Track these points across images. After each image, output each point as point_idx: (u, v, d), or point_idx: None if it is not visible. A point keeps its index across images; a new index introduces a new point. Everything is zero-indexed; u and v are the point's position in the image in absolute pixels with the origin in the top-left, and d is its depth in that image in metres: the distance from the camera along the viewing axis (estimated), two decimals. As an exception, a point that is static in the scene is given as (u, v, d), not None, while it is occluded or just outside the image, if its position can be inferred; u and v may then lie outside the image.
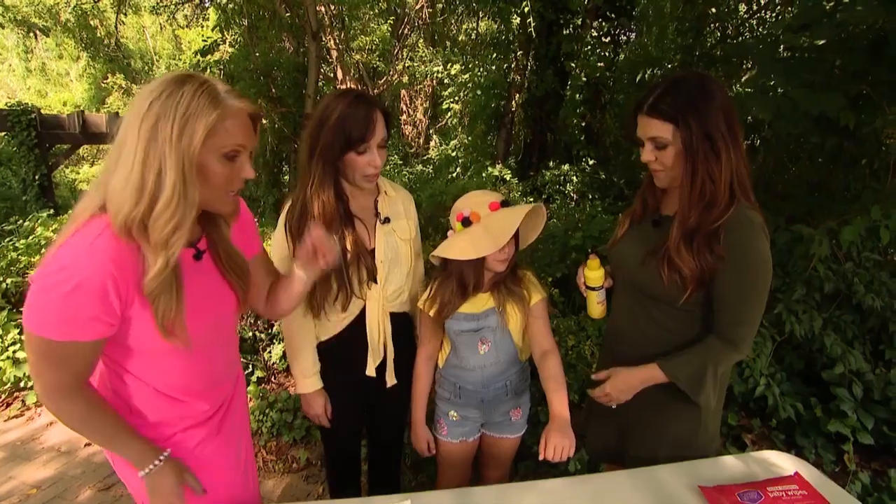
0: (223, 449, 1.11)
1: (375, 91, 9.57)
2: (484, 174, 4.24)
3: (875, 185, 2.11)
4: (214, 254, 1.01)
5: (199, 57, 4.51)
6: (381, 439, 1.73)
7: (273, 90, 4.15)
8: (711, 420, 1.25)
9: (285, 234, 1.38)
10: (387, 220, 1.43)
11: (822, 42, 2.01)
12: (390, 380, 1.50)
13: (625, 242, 1.32)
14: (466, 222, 1.35)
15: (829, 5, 1.94)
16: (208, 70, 4.52)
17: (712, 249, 1.08)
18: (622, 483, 1.12)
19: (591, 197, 4.18)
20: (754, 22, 4.58)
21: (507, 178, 4.32)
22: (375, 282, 1.40)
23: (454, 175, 4.61)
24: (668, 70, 4.80)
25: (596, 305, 1.41)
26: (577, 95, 4.51)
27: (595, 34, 4.82)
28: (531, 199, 4.13)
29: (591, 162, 4.57)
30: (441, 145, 7.20)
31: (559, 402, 1.23)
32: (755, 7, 4.43)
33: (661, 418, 1.23)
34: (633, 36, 5.41)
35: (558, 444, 1.13)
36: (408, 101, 10.88)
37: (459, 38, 7.92)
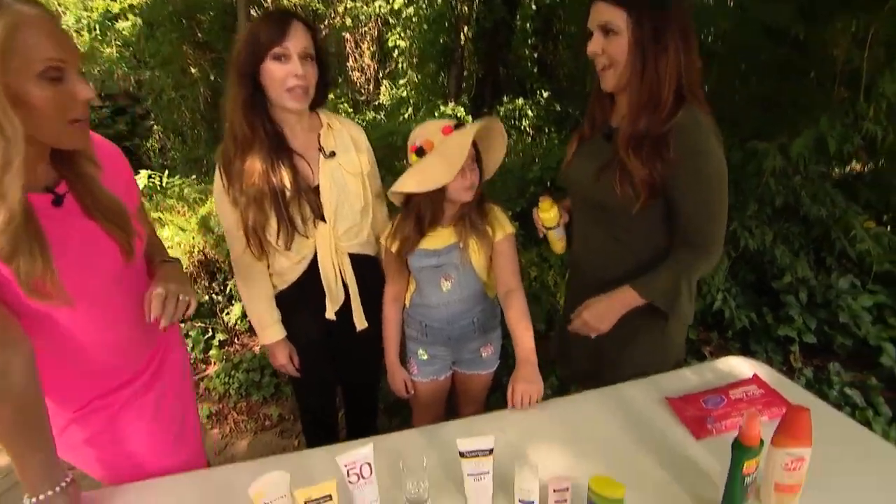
0: (150, 414, 1.06)
1: (317, 36, 8.90)
2: (437, 113, 4.07)
3: (822, 97, 2.14)
4: (79, 198, 0.88)
5: (108, 1, 3.97)
6: (355, 385, 1.71)
7: (199, 34, 3.73)
8: (678, 333, 1.27)
9: (221, 180, 1.27)
10: (332, 155, 1.33)
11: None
12: (360, 323, 1.45)
13: (576, 162, 1.29)
14: (420, 152, 1.27)
15: None
16: (123, 15, 4.01)
17: (661, 155, 1.05)
18: (591, 404, 1.13)
19: (547, 130, 4.11)
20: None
21: (461, 116, 4.17)
22: (323, 220, 1.32)
23: (406, 116, 4.41)
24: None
25: (557, 242, 1.40)
26: (528, 25, 4.32)
27: (544, -43, 4.58)
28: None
29: (545, 94, 4.46)
30: (392, 89, 6.87)
31: (525, 346, 1.21)
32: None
33: (630, 337, 1.24)
34: (582, -42, 5.18)
35: (525, 390, 1.13)
36: (353, 46, 10.26)
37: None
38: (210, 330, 2.91)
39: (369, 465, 0.82)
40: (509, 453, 0.97)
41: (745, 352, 2.38)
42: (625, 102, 1.13)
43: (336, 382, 1.67)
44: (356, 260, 1.42)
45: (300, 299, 1.41)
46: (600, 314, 1.19)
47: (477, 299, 1.43)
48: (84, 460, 1.03)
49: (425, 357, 1.50)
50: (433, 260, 1.35)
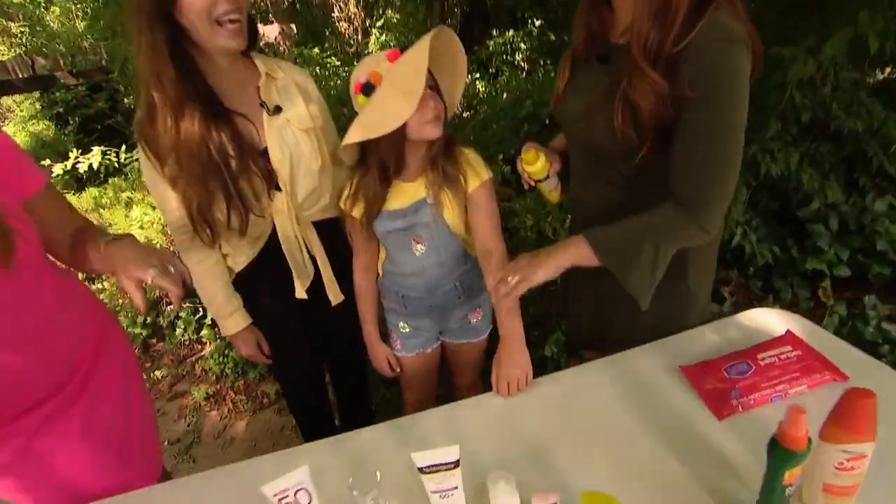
0: (77, 433, 0.92)
1: (299, -17, 8.30)
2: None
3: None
4: None
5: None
6: (339, 365, 1.56)
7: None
8: (702, 293, 1.05)
9: (149, 160, 1.05)
10: (277, 110, 1.10)
11: None
12: (334, 298, 1.29)
13: (569, 95, 1.01)
14: (367, 89, 1.02)
15: None
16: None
17: (675, 83, 0.78)
18: (588, 378, 0.95)
19: (542, 63, 3.73)
20: None
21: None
22: (279, 189, 1.12)
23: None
24: None
25: (550, 193, 1.18)
26: (515, -56, 3.85)
27: None
28: (477, 76, 3.66)
29: (538, 24, 4.03)
30: (382, 36, 6.39)
31: (508, 320, 1.03)
32: None
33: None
34: None
35: (510, 376, 0.96)
36: (337, -6, 9.64)
37: None
38: (200, 309, 2.79)
39: (306, 490, 0.66)
40: (490, 450, 0.81)
41: (768, 289, 2.17)
42: (626, 8, 0.85)
43: (318, 364, 1.52)
44: (322, 226, 1.24)
45: (263, 277, 1.24)
46: (537, 261, 0.91)
47: (457, 261, 1.23)
48: (5, 491, 0.90)
49: (407, 330, 1.34)
50: (399, 221, 1.15)
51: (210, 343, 2.67)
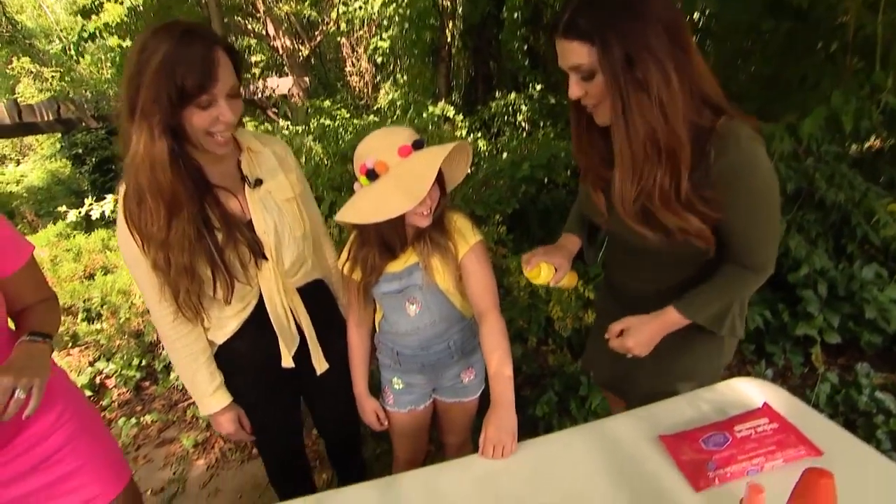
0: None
1: (312, 43, 8.81)
2: (425, 114, 3.90)
3: (833, 70, 1.93)
4: None
5: (81, 19, 3.85)
6: (330, 431, 1.55)
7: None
8: (731, 343, 1.15)
9: (129, 230, 1.04)
10: (258, 183, 1.16)
11: None
12: (319, 366, 1.30)
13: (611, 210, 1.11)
14: (372, 175, 1.08)
15: None
16: (98, 34, 3.89)
17: (704, 196, 0.87)
18: (569, 445, 0.97)
19: (542, 124, 3.92)
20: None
21: (451, 116, 3.99)
22: (265, 258, 1.15)
23: (394, 119, 4.25)
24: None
25: (561, 286, 1.24)
26: (516, 16, 4.13)
27: (530, -55, 4.38)
28: (478, 136, 3.83)
29: (538, 88, 4.27)
30: (391, 93, 6.75)
31: (497, 386, 1.06)
32: None
33: (677, 346, 1.09)
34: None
35: (497, 440, 0.98)
36: (350, 51, 10.19)
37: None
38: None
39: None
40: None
41: (760, 353, 2.19)
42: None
43: (300, 436, 1.50)
44: (305, 292, 1.26)
45: (246, 350, 1.23)
46: (645, 343, 1.06)
47: (451, 321, 1.27)
48: None
49: (401, 386, 1.36)
50: (395, 284, 1.21)
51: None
